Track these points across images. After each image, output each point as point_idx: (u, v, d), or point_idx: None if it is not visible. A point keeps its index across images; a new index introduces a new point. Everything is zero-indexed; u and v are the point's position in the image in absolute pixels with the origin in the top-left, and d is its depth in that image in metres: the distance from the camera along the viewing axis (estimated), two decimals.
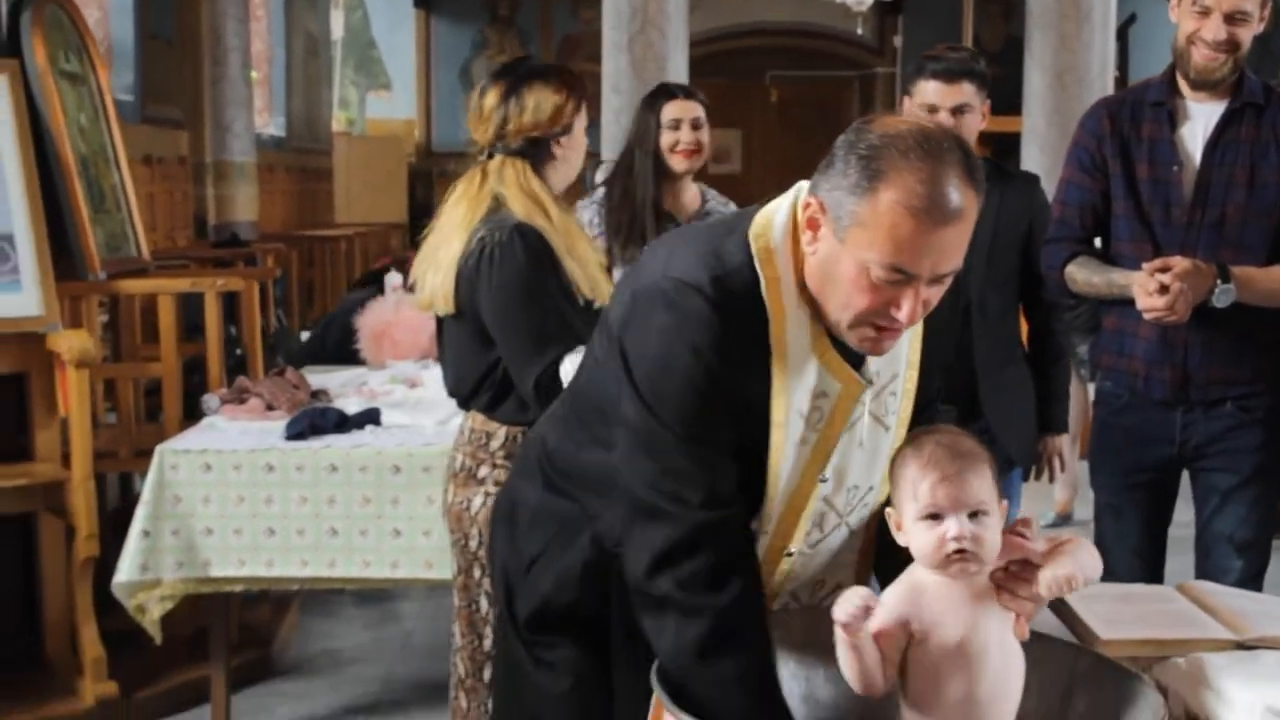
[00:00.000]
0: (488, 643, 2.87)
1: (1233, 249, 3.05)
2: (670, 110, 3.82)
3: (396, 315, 5.18)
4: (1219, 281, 2.95)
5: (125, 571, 3.65)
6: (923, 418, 1.96)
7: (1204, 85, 3.10)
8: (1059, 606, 2.09)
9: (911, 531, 1.70)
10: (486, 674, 2.89)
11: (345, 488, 3.68)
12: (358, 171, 13.50)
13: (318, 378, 4.67)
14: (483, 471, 2.92)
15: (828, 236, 1.73)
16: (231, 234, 7.89)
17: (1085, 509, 3.53)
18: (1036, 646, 1.78)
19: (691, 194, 3.90)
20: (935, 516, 1.66)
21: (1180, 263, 2.93)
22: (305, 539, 3.69)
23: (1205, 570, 3.22)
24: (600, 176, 3.75)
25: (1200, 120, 3.11)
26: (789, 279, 1.80)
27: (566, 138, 2.86)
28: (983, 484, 1.67)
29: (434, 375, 4.77)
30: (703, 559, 1.77)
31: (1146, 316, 2.95)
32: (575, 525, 2.04)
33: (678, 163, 3.80)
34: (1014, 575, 1.72)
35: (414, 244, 6.93)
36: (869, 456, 1.92)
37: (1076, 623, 2.00)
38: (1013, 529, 1.73)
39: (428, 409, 4.13)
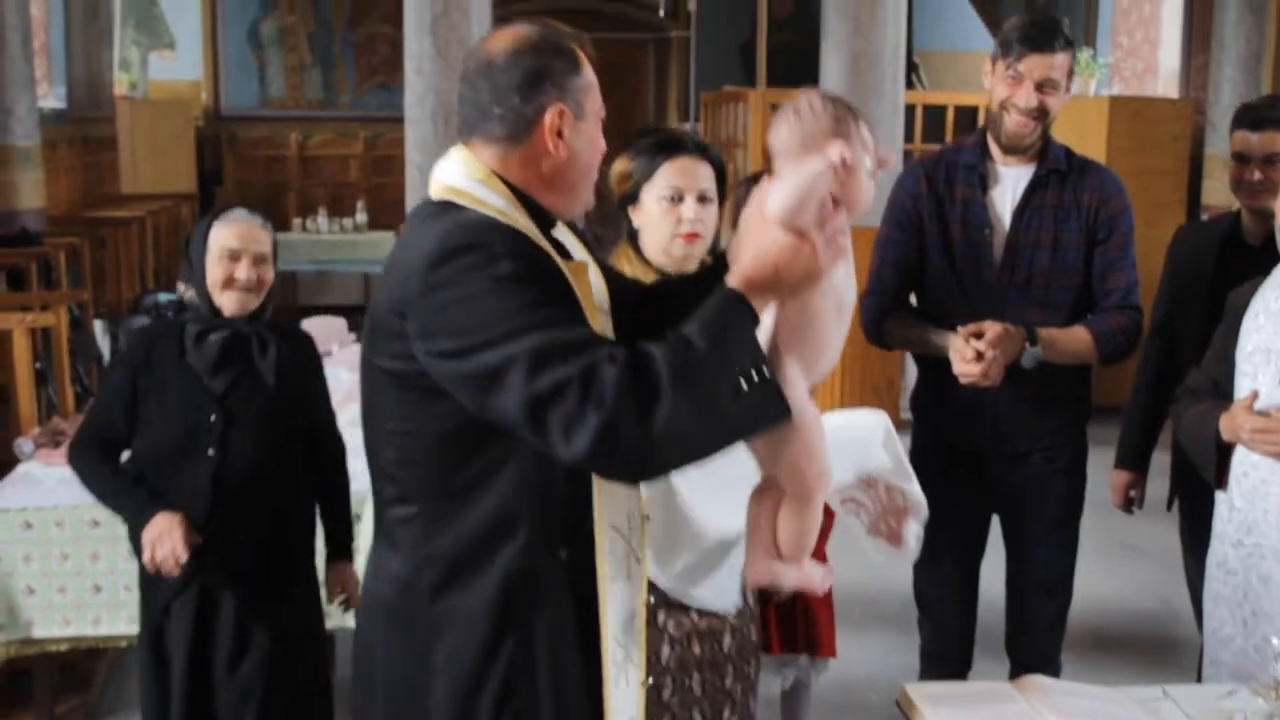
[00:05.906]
0: None
1: (1039, 308, 3.24)
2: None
3: None
4: (1027, 344, 3.13)
5: None
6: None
7: (1014, 150, 3.26)
8: None
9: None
10: None
11: None
12: (143, 136, 12.95)
13: None
14: None
15: (572, 123, 1.99)
16: (21, 228, 7.54)
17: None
18: None
19: None
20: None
21: (993, 328, 3.09)
22: (134, 594, 3.61)
23: (1020, 613, 3.44)
24: None
25: (1009, 184, 3.28)
26: (511, 209, 1.95)
27: None
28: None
29: None
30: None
31: (963, 381, 3.11)
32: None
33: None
34: None
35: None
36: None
37: None
38: None
39: None
